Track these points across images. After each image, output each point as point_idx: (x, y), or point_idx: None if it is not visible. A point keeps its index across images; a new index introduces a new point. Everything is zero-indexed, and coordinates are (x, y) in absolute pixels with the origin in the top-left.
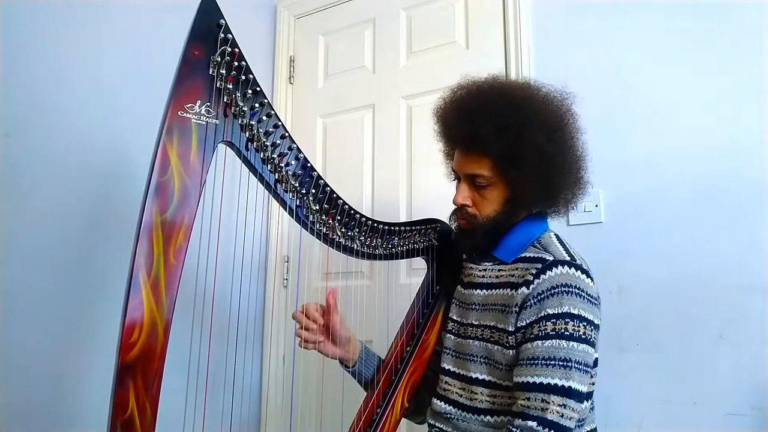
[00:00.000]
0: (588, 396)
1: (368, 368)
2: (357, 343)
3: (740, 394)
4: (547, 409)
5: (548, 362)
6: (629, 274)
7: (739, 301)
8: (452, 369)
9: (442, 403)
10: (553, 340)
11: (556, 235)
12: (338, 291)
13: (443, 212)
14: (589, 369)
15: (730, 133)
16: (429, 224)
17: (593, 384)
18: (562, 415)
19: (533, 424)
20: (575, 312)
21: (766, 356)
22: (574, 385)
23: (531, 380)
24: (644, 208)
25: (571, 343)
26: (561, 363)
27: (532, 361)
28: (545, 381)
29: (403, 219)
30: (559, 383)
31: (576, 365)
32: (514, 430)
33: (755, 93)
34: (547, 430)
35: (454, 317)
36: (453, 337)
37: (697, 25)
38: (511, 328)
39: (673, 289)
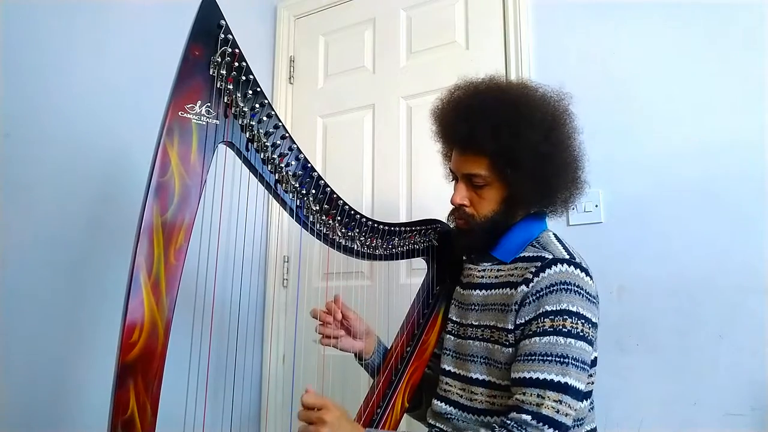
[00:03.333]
0: (587, 395)
1: (378, 358)
2: (375, 336)
3: (740, 394)
4: (543, 404)
5: (545, 358)
6: (629, 274)
7: (739, 301)
8: (452, 370)
9: (443, 403)
10: (551, 337)
11: (555, 235)
12: (339, 291)
13: (443, 212)
14: (586, 366)
15: (730, 133)
16: (429, 225)
17: (592, 383)
18: (557, 411)
19: (527, 417)
20: (573, 309)
21: (766, 356)
22: (571, 381)
23: (527, 375)
24: (644, 208)
25: (569, 339)
26: (558, 359)
27: (529, 357)
28: (541, 376)
29: (402, 219)
30: (556, 379)
31: (573, 362)
32: (509, 422)
33: (755, 93)
34: (541, 424)
35: (454, 318)
36: (452, 338)
37: (697, 25)
38: (510, 326)
39: (673, 289)
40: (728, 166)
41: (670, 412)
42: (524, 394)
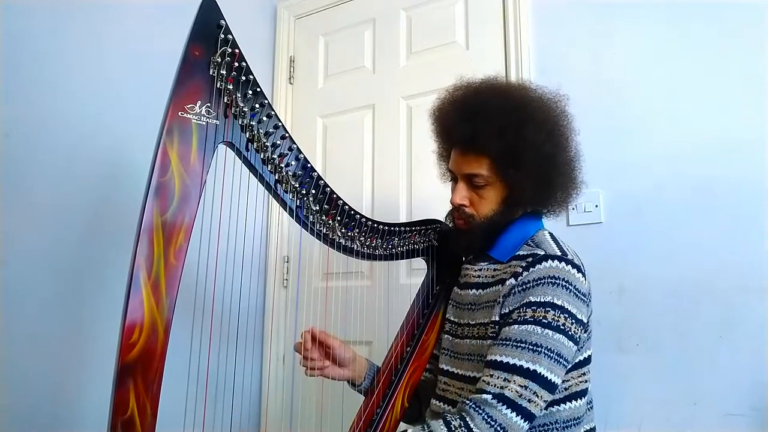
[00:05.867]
0: (581, 394)
1: (370, 383)
2: (363, 361)
3: (740, 394)
4: (506, 387)
5: (518, 344)
6: (629, 274)
7: (739, 302)
8: (450, 369)
9: (441, 403)
10: (529, 326)
11: (550, 233)
12: (339, 291)
13: (443, 212)
14: (561, 360)
15: (730, 133)
16: (429, 225)
17: (586, 382)
18: (520, 395)
19: (488, 397)
20: (558, 302)
21: (766, 356)
22: (541, 370)
23: (497, 359)
24: (644, 208)
25: (546, 330)
26: (531, 347)
27: (503, 342)
28: (511, 361)
29: (402, 219)
30: (525, 365)
31: (546, 351)
32: (467, 403)
33: (755, 93)
34: (500, 404)
35: (451, 318)
36: (450, 337)
37: (697, 25)
38: (496, 318)
39: (673, 290)
40: (728, 166)
41: (670, 412)
42: (491, 376)
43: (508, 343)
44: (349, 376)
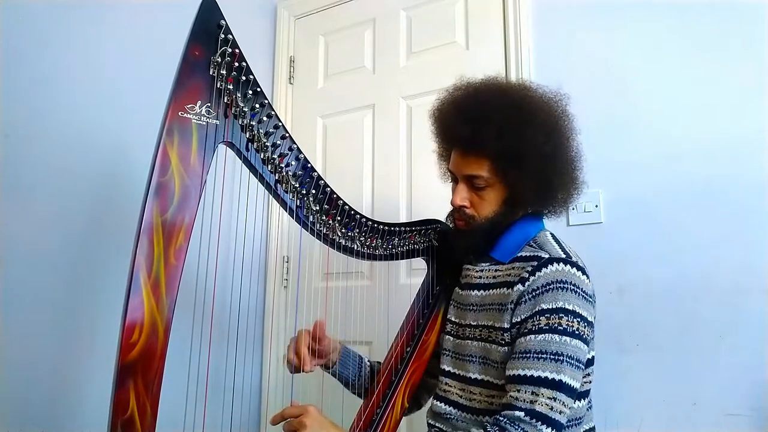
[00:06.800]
0: (584, 394)
1: (345, 367)
2: (338, 349)
3: (740, 394)
4: (536, 401)
5: (540, 356)
6: (629, 274)
7: (740, 302)
8: (451, 370)
9: (442, 404)
10: (546, 335)
11: (552, 234)
12: (339, 292)
13: (443, 212)
14: (581, 365)
15: (730, 133)
16: (429, 225)
17: (590, 382)
18: (551, 408)
19: (521, 414)
20: (569, 308)
21: (766, 356)
22: (565, 379)
23: (522, 373)
24: (644, 208)
25: (564, 337)
26: (553, 357)
27: (523, 355)
28: (536, 374)
29: (403, 219)
30: (550, 376)
31: (568, 359)
32: (501, 419)
33: (756, 93)
34: (534, 421)
35: (453, 319)
36: (452, 338)
37: (697, 25)
38: (506, 325)
39: (674, 290)
40: (728, 166)
41: (670, 412)
42: (518, 391)
43: (528, 355)
44: (322, 363)
